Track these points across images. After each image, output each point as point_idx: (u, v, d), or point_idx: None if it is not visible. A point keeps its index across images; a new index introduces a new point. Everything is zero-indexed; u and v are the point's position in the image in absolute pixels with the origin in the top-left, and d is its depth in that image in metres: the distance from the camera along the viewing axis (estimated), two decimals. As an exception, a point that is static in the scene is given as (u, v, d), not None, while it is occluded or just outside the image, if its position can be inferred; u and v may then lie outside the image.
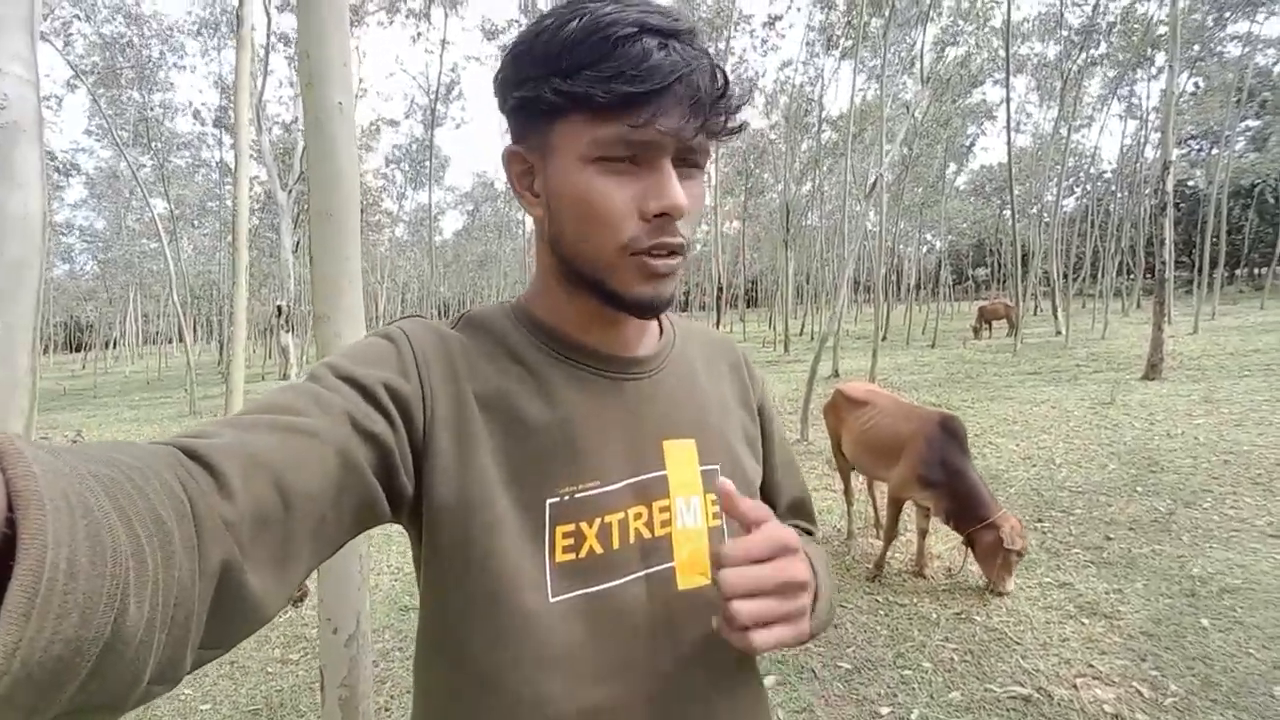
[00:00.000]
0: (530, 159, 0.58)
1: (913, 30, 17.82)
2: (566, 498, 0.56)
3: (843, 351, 14.03)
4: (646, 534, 0.59)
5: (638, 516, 0.59)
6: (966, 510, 3.27)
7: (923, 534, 3.62)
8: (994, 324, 18.93)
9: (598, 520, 0.57)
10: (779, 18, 19.94)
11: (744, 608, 0.47)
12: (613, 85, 0.50)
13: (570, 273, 0.59)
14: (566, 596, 0.54)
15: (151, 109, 17.50)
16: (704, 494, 0.62)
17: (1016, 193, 17.20)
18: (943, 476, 3.31)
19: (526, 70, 0.54)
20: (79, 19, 14.80)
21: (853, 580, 3.63)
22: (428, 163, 20.86)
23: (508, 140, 0.61)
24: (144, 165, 18.94)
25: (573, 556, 0.55)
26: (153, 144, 17.73)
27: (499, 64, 0.58)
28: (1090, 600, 3.21)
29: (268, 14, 12.72)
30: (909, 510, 4.51)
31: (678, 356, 0.69)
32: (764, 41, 20.57)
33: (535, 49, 0.53)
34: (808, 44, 20.89)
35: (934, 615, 3.16)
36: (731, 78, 0.55)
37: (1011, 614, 3.12)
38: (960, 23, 17.18)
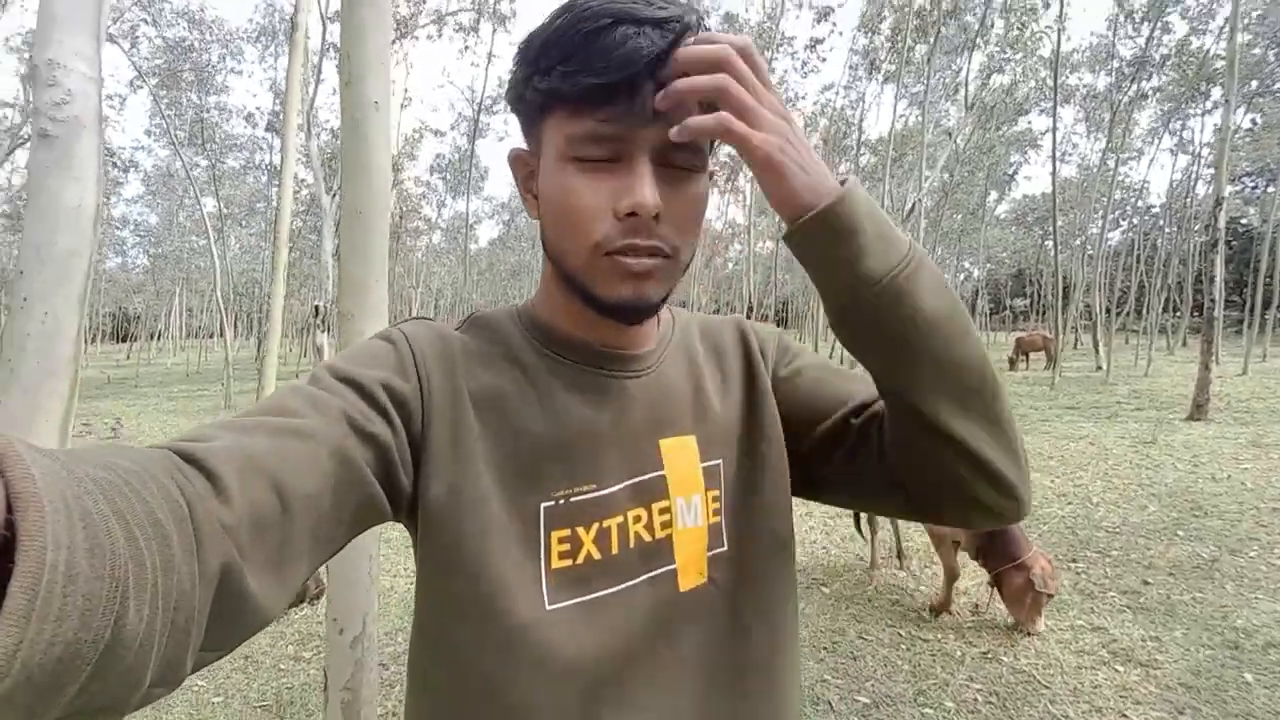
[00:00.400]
0: (531, 161, 0.58)
1: (958, 57, 17.68)
2: (561, 502, 0.55)
3: (873, 377, 13.78)
4: (647, 537, 0.57)
5: (637, 519, 0.57)
6: (997, 547, 3.17)
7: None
8: (1031, 356, 18.50)
9: (595, 525, 0.55)
10: (821, 41, 19.95)
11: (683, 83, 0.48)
12: (579, 78, 0.48)
13: (562, 274, 0.58)
14: (564, 604, 0.53)
15: (207, 111, 18.18)
16: (705, 491, 0.61)
17: (1060, 224, 16.83)
18: None
19: (520, 69, 0.54)
20: (145, 23, 15.48)
21: (875, 611, 3.54)
22: (468, 172, 21.23)
23: None
24: (199, 165, 19.62)
25: (570, 563, 0.54)
26: (207, 145, 18.39)
27: None
28: (1125, 646, 3.07)
29: (324, 22, 13.15)
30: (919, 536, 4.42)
31: (676, 348, 0.67)
32: (804, 64, 20.58)
33: (529, 48, 0.53)
34: (850, 67, 20.86)
35: (958, 653, 3.06)
36: None
37: (1041, 656, 3.00)
38: (1008, 51, 16.99)
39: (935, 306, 0.51)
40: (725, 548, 0.61)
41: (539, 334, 0.61)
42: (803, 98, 22.40)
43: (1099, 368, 16.79)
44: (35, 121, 1.77)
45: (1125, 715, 2.55)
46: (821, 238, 0.50)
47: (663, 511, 0.58)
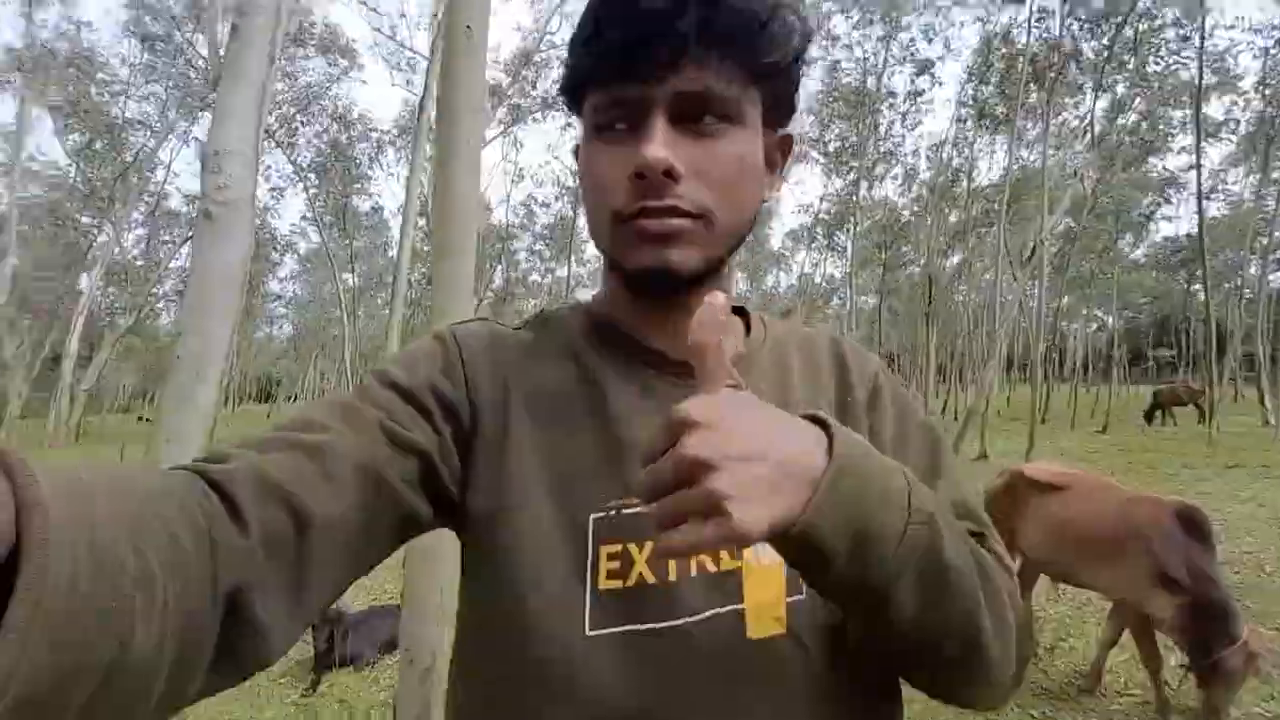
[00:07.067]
0: None
1: (1082, 98, 16.63)
2: (613, 514, 0.50)
3: (993, 432, 12.84)
4: (711, 565, 0.50)
5: None
6: (1216, 625, 2.52)
7: (1109, 645, 3.06)
8: (1173, 410, 16.58)
9: (649, 543, 0.49)
10: (921, 93, 19.65)
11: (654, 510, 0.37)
12: (594, 47, 0.48)
13: (606, 260, 0.56)
14: (608, 631, 0.47)
15: (350, 198, 20.28)
16: None
17: (1211, 264, 15.23)
18: (1189, 579, 2.59)
19: (568, 58, 0.53)
20: (300, 124, 17.62)
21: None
22: (569, 239, 22.35)
23: None
24: (347, 244, 21.83)
25: (619, 584, 0.48)
26: (349, 229, 20.50)
27: None
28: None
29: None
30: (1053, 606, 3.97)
31: (766, 362, 0.61)
32: (905, 116, 20.29)
33: (569, 45, 0.52)
34: (959, 120, 20.16)
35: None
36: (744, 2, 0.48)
37: (1207, 749, 2.58)
38: (1139, 86, 15.80)
39: (920, 604, 0.42)
40: (803, 595, 0.52)
41: (603, 332, 0.59)
42: (904, 148, 21.78)
43: (1266, 423, 14.79)
44: (200, 203, 2.08)
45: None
46: (797, 560, 0.41)
47: None
